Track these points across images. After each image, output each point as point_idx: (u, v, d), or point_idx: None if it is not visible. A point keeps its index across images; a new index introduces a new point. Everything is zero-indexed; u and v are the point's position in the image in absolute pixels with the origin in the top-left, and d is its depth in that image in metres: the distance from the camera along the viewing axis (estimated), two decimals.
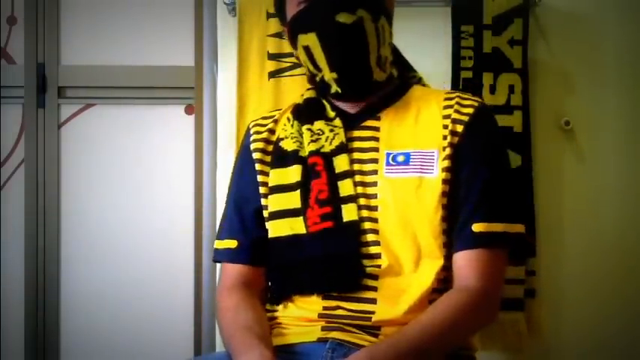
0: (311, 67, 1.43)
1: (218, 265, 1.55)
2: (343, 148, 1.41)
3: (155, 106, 2.38)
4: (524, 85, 1.88)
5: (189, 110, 2.36)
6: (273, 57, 1.91)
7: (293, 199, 1.41)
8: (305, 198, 1.40)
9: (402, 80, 1.51)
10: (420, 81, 1.56)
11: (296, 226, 1.39)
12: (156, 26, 2.36)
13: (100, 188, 2.38)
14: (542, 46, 1.94)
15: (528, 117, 1.89)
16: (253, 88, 1.91)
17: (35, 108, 2.37)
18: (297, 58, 1.47)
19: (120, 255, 2.37)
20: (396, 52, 1.53)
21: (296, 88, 1.88)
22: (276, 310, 1.42)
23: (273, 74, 1.91)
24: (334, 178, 1.39)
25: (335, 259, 1.35)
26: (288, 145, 1.45)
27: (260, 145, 1.48)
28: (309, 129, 1.45)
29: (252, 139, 1.50)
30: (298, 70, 1.90)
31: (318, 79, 1.44)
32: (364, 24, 1.38)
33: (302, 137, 1.45)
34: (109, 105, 2.39)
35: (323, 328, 1.34)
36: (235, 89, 1.91)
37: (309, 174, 1.41)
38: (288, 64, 1.91)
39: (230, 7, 1.93)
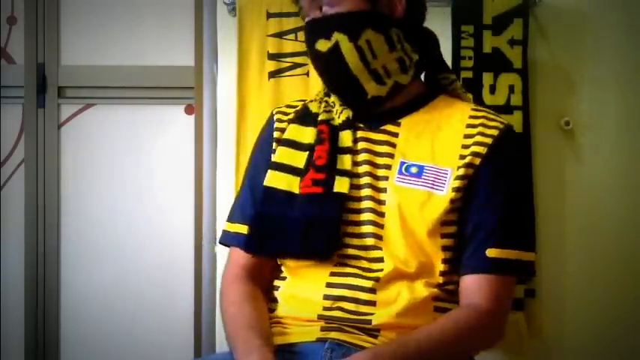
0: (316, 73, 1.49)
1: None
2: (349, 124, 1.43)
3: (155, 106, 2.38)
4: (524, 85, 1.88)
5: (189, 110, 2.36)
6: (273, 57, 1.91)
7: (299, 159, 1.43)
8: (309, 161, 1.42)
9: (430, 83, 1.49)
10: (453, 83, 1.52)
11: (293, 184, 1.41)
12: (156, 26, 2.37)
13: (99, 188, 2.39)
14: (542, 46, 1.94)
15: (528, 117, 1.89)
16: (253, 88, 1.91)
17: (35, 108, 2.37)
18: None
19: (120, 255, 2.37)
20: (423, 53, 1.47)
21: (296, 88, 1.89)
22: (274, 310, 1.42)
23: (273, 74, 1.91)
24: (336, 150, 1.41)
25: (315, 223, 1.36)
26: (313, 107, 1.49)
27: (278, 134, 1.49)
28: (325, 100, 1.48)
29: (275, 126, 1.50)
30: (298, 70, 1.91)
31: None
32: (341, 48, 1.38)
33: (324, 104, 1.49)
34: (109, 105, 2.39)
35: (322, 329, 1.34)
36: (235, 89, 1.91)
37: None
38: (288, 64, 1.91)
39: (230, 7, 1.93)
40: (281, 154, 1.44)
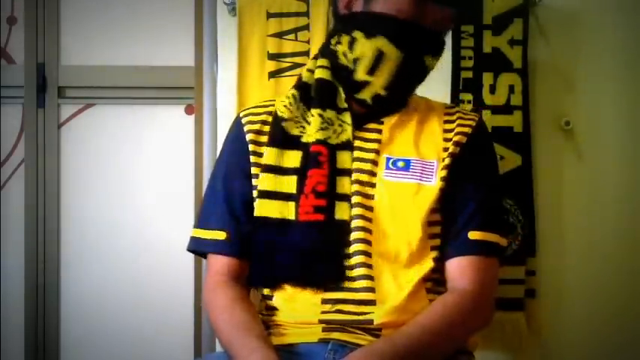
0: (362, 66, 1.38)
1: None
2: (348, 145, 1.41)
3: (155, 106, 2.38)
4: (524, 85, 1.88)
5: (189, 110, 2.36)
6: (273, 57, 1.91)
7: (288, 184, 1.40)
8: (300, 185, 1.39)
9: None
10: None
11: (285, 211, 1.38)
12: (156, 26, 2.37)
13: (99, 188, 2.38)
14: (542, 46, 1.94)
15: (528, 117, 1.89)
16: (253, 88, 1.91)
17: (35, 108, 2.37)
18: (343, 33, 1.41)
19: (120, 255, 2.37)
20: None
21: None
22: (273, 314, 1.41)
23: (273, 74, 1.91)
24: (335, 172, 1.39)
25: (318, 253, 1.35)
26: (291, 128, 1.43)
27: (253, 136, 1.45)
28: (320, 115, 1.42)
29: (246, 129, 1.46)
30: (298, 70, 1.90)
31: (356, 78, 1.40)
32: (428, 70, 1.43)
33: (305, 122, 1.43)
34: (109, 105, 2.39)
35: (324, 329, 1.34)
36: (235, 89, 1.92)
37: (308, 161, 1.40)
38: (288, 64, 1.91)
39: (230, 7, 1.93)
40: (266, 182, 1.40)
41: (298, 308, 1.37)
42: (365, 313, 1.34)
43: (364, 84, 1.40)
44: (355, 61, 1.39)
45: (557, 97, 1.94)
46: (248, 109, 1.52)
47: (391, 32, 1.37)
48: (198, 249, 1.48)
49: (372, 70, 1.39)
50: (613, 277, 1.94)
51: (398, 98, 1.44)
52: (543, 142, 1.93)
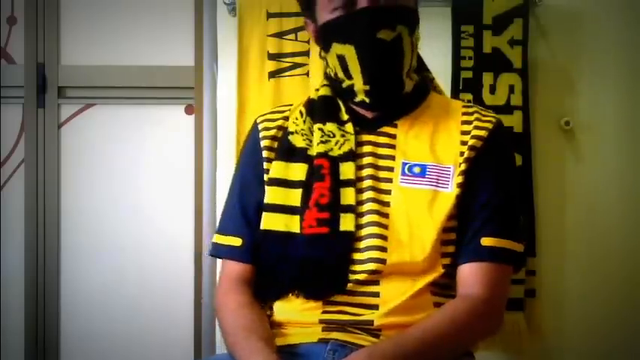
0: (340, 74, 1.42)
1: (218, 261, 1.53)
2: (351, 155, 1.40)
3: (155, 106, 2.38)
4: (524, 85, 1.88)
5: (189, 110, 2.36)
6: (273, 57, 1.92)
7: (293, 197, 1.40)
8: (306, 198, 1.39)
9: (420, 83, 1.48)
10: (432, 81, 1.55)
11: (291, 224, 1.39)
12: (156, 26, 2.37)
13: (99, 188, 2.39)
14: (542, 46, 1.94)
15: (528, 117, 1.89)
16: (253, 88, 1.91)
17: (35, 108, 2.37)
18: (324, 59, 1.45)
19: (120, 255, 2.37)
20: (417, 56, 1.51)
21: (296, 88, 1.89)
22: (272, 315, 1.41)
23: (273, 74, 1.91)
24: (338, 184, 1.38)
25: (323, 265, 1.35)
26: (297, 141, 1.44)
27: (268, 142, 1.46)
28: (320, 129, 1.43)
29: (261, 135, 1.47)
30: (298, 70, 1.91)
31: (345, 85, 1.42)
32: (402, 39, 1.38)
33: (312, 135, 1.44)
34: (109, 105, 2.39)
35: (324, 329, 1.34)
36: (235, 89, 1.92)
37: (313, 174, 1.40)
38: (288, 64, 1.91)
39: (230, 7, 1.93)
40: (273, 195, 1.41)
41: (299, 310, 1.37)
42: (368, 318, 1.34)
43: (352, 87, 1.41)
44: (336, 74, 1.43)
45: (557, 97, 1.95)
46: (265, 114, 1.52)
47: (336, 35, 1.39)
48: (216, 254, 1.50)
49: (347, 75, 1.41)
50: (613, 277, 1.94)
51: (390, 85, 1.41)
52: (543, 142, 1.93)
